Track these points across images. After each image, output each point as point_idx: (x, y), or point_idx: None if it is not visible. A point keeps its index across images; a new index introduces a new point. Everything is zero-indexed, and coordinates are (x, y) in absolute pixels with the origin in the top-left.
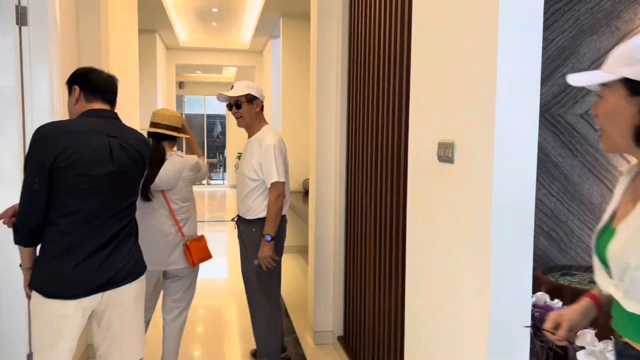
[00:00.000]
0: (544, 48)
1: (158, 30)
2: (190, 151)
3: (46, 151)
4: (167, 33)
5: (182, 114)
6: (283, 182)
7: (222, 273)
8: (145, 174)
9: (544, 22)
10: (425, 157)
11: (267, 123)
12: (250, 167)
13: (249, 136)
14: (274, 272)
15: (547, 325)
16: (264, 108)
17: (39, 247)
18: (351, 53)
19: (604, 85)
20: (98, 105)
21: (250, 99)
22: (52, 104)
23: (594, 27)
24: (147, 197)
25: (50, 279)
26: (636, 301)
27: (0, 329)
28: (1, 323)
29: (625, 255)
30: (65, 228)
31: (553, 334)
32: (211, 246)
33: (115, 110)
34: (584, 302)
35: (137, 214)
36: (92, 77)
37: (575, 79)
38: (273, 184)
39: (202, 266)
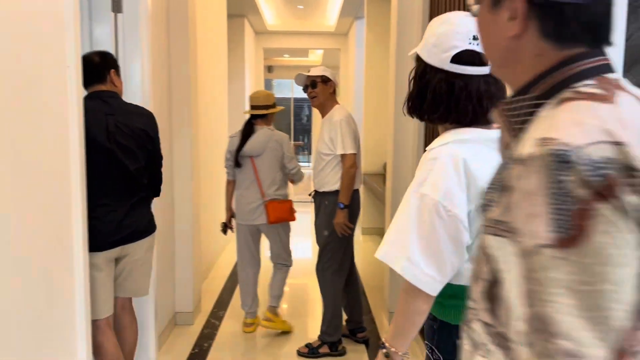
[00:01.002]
0: None
1: (247, 15)
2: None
3: None
4: (255, 17)
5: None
6: (354, 154)
7: (307, 253)
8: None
9: None
10: None
11: (338, 103)
12: (323, 143)
13: (322, 116)
14: (343, 244)
15: None
16: (348, 91)
17: None
18: None
19: None
20: (96, 88)
21: (325, 80)
22: (143, 87)
23: None
24: (236, 164)
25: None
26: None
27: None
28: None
29: None
30: (89, 193)
31: None
32: (296, 226)
33: (194, 93)
34: None
35: (237, 176)
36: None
37: None
38: (343, 156)
39: None
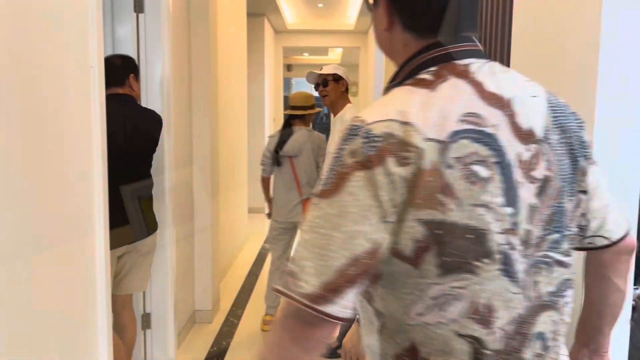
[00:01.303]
0: None
1: (266, 14)
2: None
3: None
4: (275, 16)
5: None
6: None
7: None
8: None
9: None
10: None
11: (350, 102)
12: (333, 143)
13: (334, 115)
14: None
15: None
16: (368, 89)
17: None
18: None
19: None
20: (114, 90)
21: (337, 78)
22: (163, 86)
23: None
24: (276, 162)
25: None
26: None
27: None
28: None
29: None
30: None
31: None
32: None
33: (214, 92)
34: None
35: (274, 175)
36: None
37: None
38: None
39: None
